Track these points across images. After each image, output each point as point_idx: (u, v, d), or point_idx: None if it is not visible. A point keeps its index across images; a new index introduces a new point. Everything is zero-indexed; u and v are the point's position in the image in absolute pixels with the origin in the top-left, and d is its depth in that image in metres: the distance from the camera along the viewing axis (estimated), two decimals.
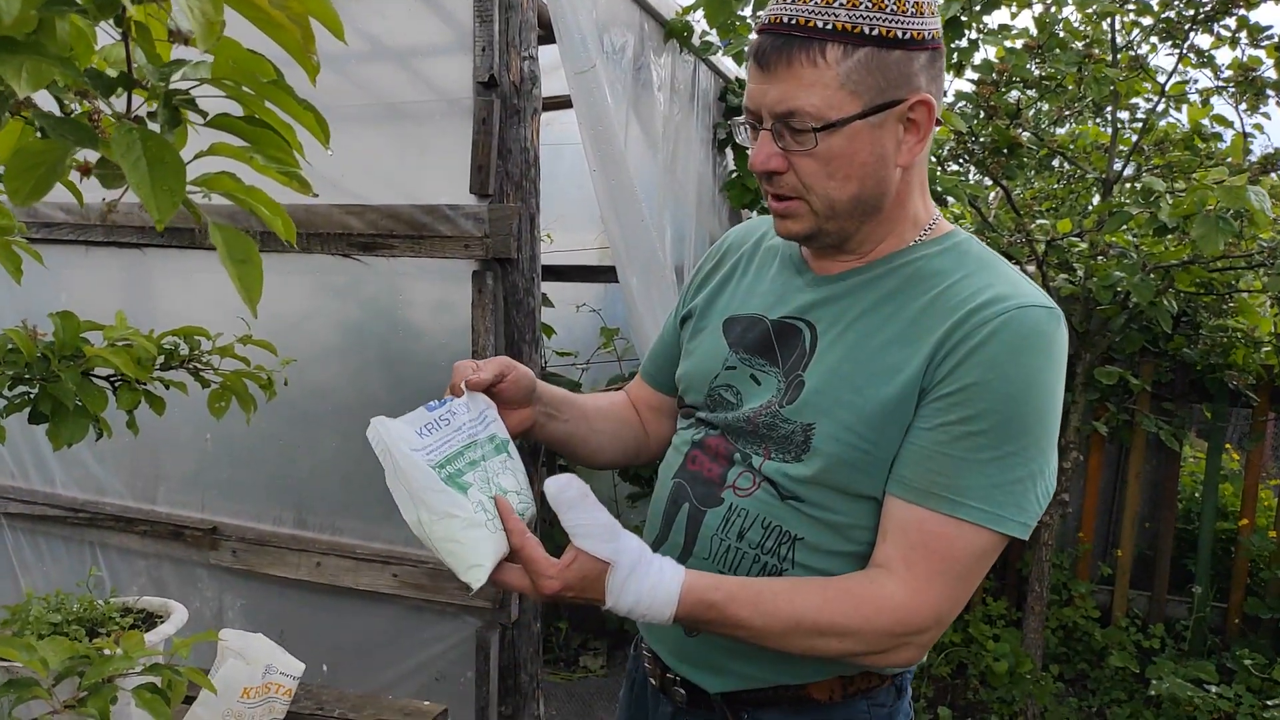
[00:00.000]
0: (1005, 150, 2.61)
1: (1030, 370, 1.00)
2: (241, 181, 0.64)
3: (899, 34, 1.00)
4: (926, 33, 1.02)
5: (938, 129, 1.19)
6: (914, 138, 1.06)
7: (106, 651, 1.09)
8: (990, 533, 1.01)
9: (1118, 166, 3.14)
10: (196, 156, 0.61)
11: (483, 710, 1.91)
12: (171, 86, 0.63)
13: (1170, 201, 2.50)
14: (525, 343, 1.87)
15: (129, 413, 1.46)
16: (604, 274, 3.72)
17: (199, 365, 1.57)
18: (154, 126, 0.62)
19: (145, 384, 1.47)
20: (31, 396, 1.34)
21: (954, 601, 1.03)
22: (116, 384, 1.45)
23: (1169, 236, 2.91)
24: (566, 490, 1.00)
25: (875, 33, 0.99)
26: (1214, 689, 3.11)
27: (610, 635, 3.79)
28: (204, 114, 0.66)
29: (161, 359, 1.52)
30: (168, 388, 1.50)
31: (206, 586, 2.21)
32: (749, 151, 1.11)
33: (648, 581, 1.01)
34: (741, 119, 1.15)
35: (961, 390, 1.00)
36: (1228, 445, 3.71)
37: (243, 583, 2.16)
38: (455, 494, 0.99)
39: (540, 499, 1.06)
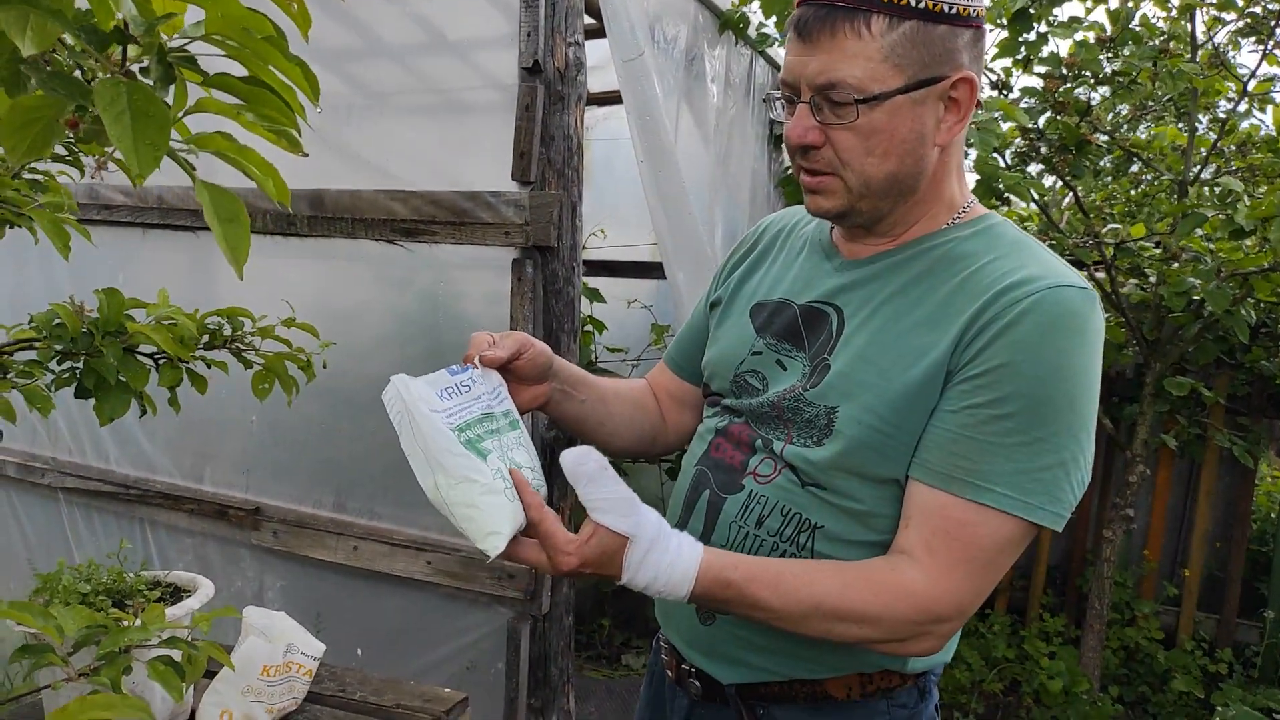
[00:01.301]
0: (1073, 148, 2.51)
1: (1062, 352, 0.96)
2: (235, 140, 0.63)
3: (945, 8, 0.98)
4: (972, 10, 1.00)
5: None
6: (954, 117, 1.03)
7: (125, 623, 1.10)
8: (1017, 521, 0.97)
9: (1195, 169, 3.00)
10: (182, 112, 0.60)
11: (512, 701, 1.89)
12: (170, 44, 0.61)
13: (1248, 204, 2.37)
14: (564, 332, 1.85)
15: (171, 390, 1.48)
16: (656, 270, 3.66)
17: (241, 346, 1.58)
18: (148, 82, 0.60)
19: (187, 362, 1.49)
20: (78, 372, 1.36)
21: (976, 591, 0.99)
22: (160, 361, 1.47)
23: (1248, 242, 2.76)
24: (584, 463, 0.97)
25: (921, 5, 0.97)
26: None
27: (652, 633, 3.75)
28: (203, 74, 0.64)
29: (205, 338, 1.55)
30: (210, 367, 1.52)
31: (249, 566, 2.24)
32: (783, 127, 1.07)
33: (666, 557, 0.98)
34: (777, 93, 1.11)
35: (989, 372, 0.97)
36: None
37: (282, 564, 2.18)
38: (475, 459, 0.96)
39: (551, 473, 1.03)
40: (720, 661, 1.15)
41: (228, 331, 1.58)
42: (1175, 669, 3.29)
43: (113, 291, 1.37)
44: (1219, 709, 2.98)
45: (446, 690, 1.40)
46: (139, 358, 1.40)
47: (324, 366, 1.69)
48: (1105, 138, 2.86)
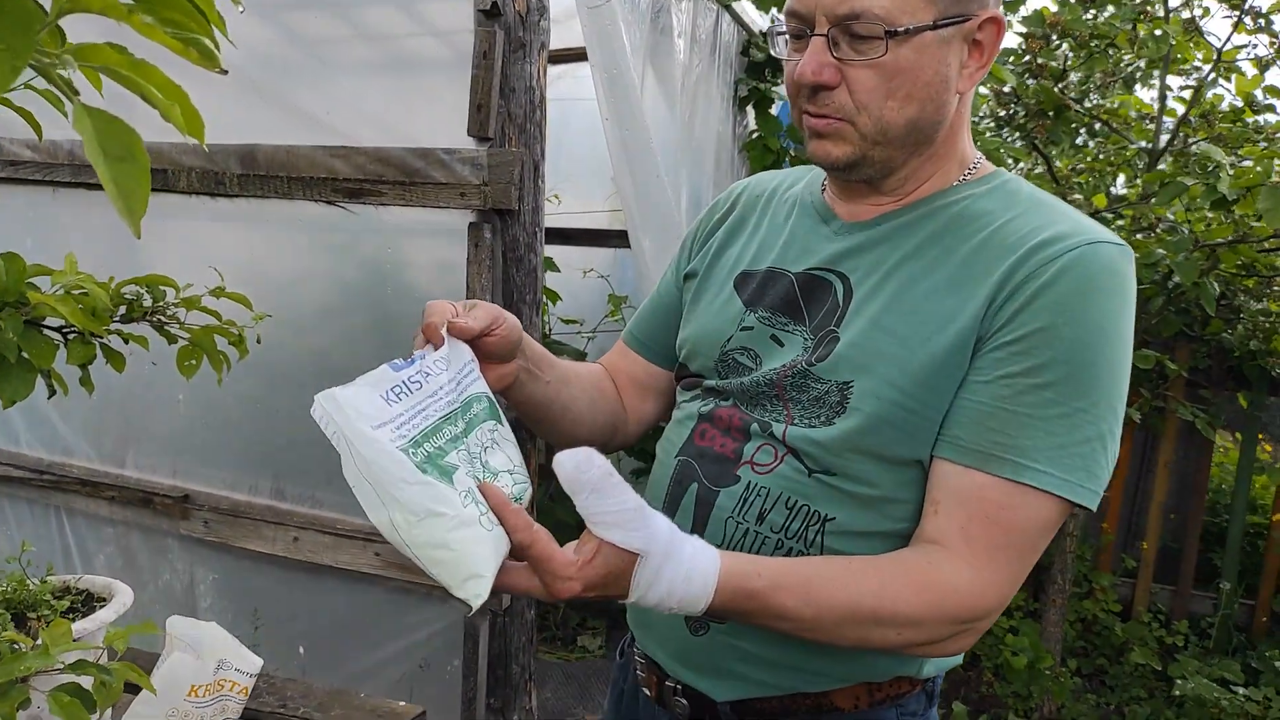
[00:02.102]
0: (1051, 113, 2.41)
1: (1103, 314, 0.90)
2: (128, 54, 0.47)
3: None
4: None
5: (982, 90, 1.05)
6: (976, 62, 0.96)
7: (21, 646, 0.93)
8: (1057, 500, 0.90)
9: (1165, 138, 2.94)
10: (55, 15, 0.44)
11: (469, 702, 1.76)
12: None
13: (1231, 172, 2.30)
14: (526, 304, 1.70)
15: (83, 368, 1.30)
16: (613, 238, 3.56)
17: (163, 318, 1.40)
18: None
19: (101, 337, 1.31)
20: None
21: (1015, 581, 0.92)
22: (69, 336, 1.29)
23: (1212, 214, 2.71)
24: (586, 470, 0.82)
25: None
26: (1241, 690, 2.96)
27: (609, 615, 3.65)
28: None
29: (122, 310, 1.37)
30: (127, 342, 1.35)
31: (177, 559, 2.05)
32: (789, 63, 0.95)
33: (680, 570, 0.85)
34: (780, 27, 0.97)
35: (1026, 337, 0.89)
36: (1260, 436, 3.54)
37: (215, 556, 2.01)
38: (438, 484, 0.79)
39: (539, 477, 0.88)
40: (713, 676, 1.03)
41: (148, 302, 1.40)
42: (1133, 641, 3.30)
43: (12, 257, 1.18)
44: (1178, 681, 2.98)
45: (402, 704, 1.26)
46: (44, 332, 1.23)
47: (258, 341, 1.52)
48: (1077, 104, 2.78)
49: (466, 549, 0.79)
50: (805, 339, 1.00)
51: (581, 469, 0.82)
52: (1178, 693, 2.95)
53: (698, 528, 1.01)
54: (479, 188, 1.63)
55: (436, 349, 0.89)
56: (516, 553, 0.85)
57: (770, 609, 0.89)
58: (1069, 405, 0.88)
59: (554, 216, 3.62)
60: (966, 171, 1.02)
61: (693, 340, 1.11)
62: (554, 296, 3.53)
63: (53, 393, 1.29)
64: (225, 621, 2.04)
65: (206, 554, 2.02)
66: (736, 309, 1.07)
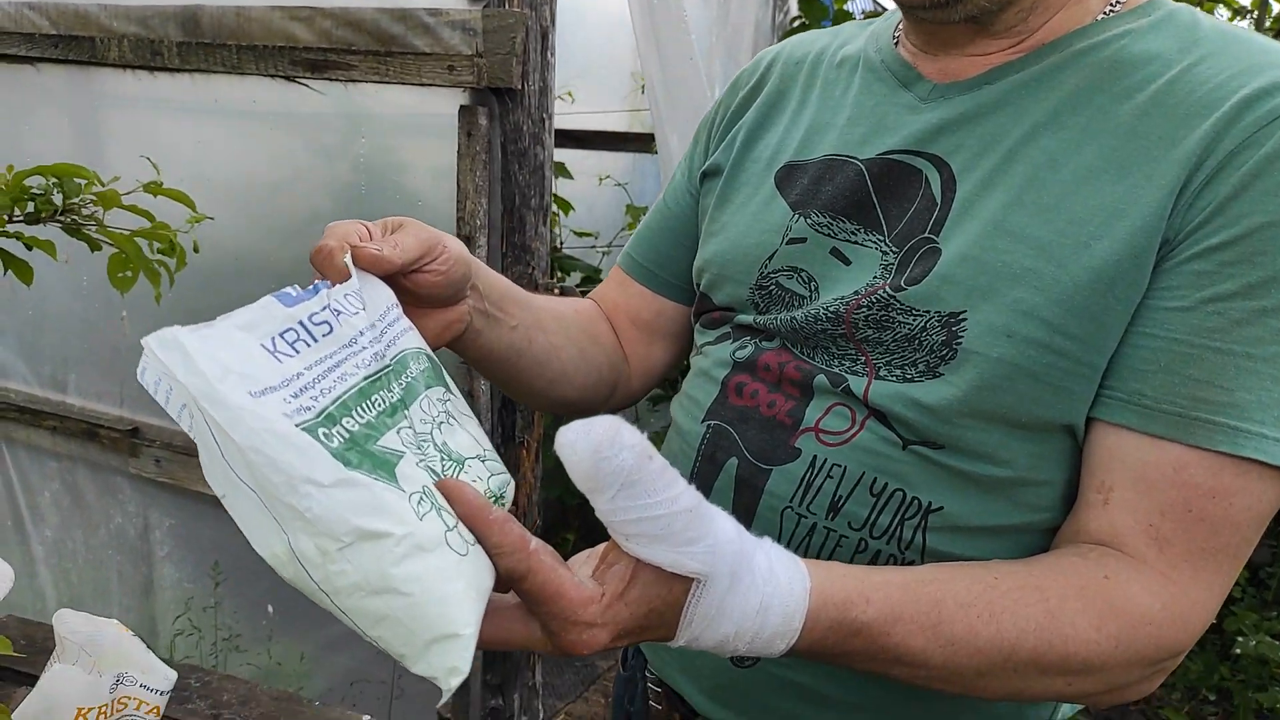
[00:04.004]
0: None
1: None
2: None
3: None
4: None
5: None
6: None
7: None
8: None
9: None
10: None
11: (463, 684, 1.50)
12: None
13: None
14: (530, 209, 1.38)
15: None
16: (633, 142, 3.21)
17: (77, 218, 1.10)
18: None
19: None
20: None
21: (1221, 597, 0.67)
22: None
23: None
24: (611, 452, 0.50)
25: None
26: None
27: None
28: None
29: (30, 207, 1.07)
30: (30, 249, 1.05)
31: (129, 500, 1.79)
32: None
33: (753, 597, 0.57)
34: None
35: (1243, 239, 0.63)
36: None
37: (170, 499, 1.74)
38: (372, 482, 0.49)
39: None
40: (756, 717, 0.78)
41: (58, 199, 1.09)
42: None
43: None
44: (1238, 640, 2.77)
45: (367, 717, 0.99)
46: None
47: (195, 250, 1.23)
48: None
49: (429, 590, 0.48)
50: (885, 253, 0.73)
51: (603, 452, 0.50)
52: (1238, 650, 2.74)
53: (740, 521, 0.73)
54: (471, 59, 1.29)
55: (341, 284, 0.58)
56: (505, 583, 0.55)
57: (884, 650, 0.62)
58: None
59: (566, 116, 3.26)
60: (1112, 1, 0.73)
61: (719, 261, 0.83)
62: (566, 206, 3.21)
63: None
64: (184, 574, 1.79)
65: (160, 496, 1.75)
66: (780, 214, 0.79)
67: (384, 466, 0.51)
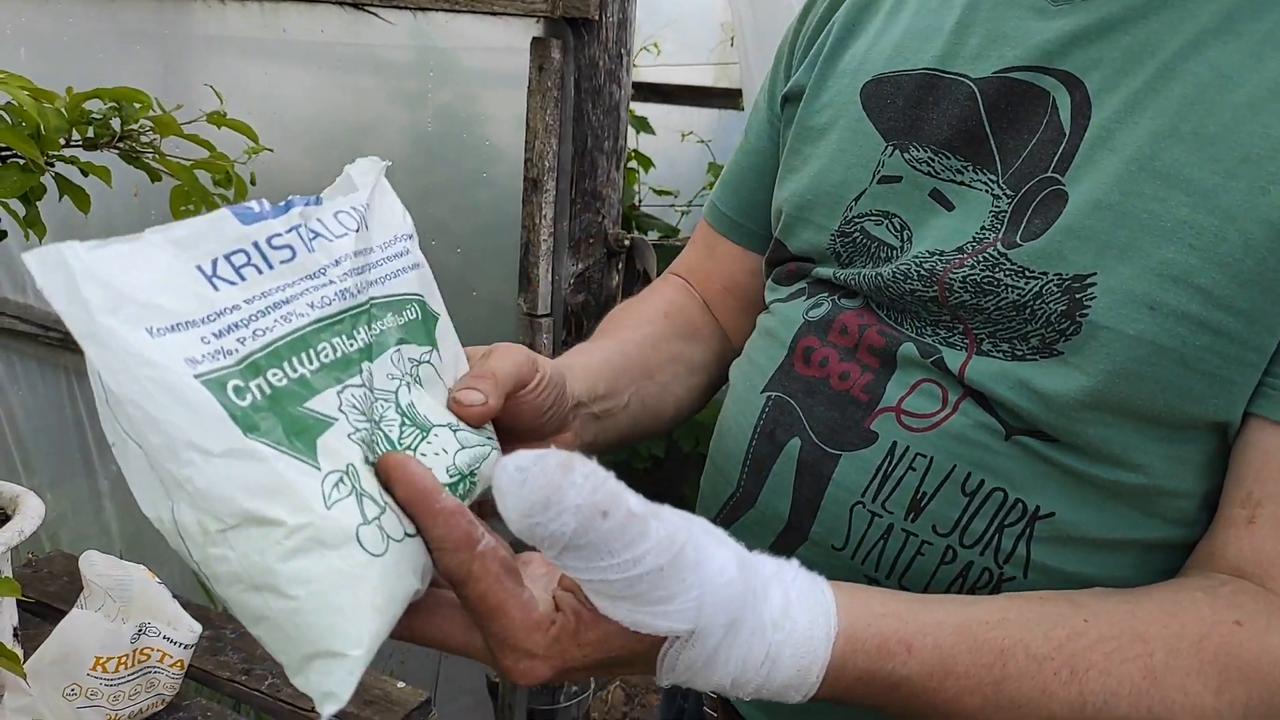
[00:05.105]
0: None
1: None
2: None
3: None
4: None
5: None
6: None
7: None
8: None
9: None
10: None
11: None
12: None
13: None
14: (604, 153, 1.29)
15: (27, 204, 0.98)
16: (719, 97, 3.09)
17: (136, 145, 1.05)
18: None
19: (53, 164, 0.98)
20: None
21: None
22: (6, 159, 0.96)
23: None
24: (548, 517, 0.40)
25: None
26: None
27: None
28: None
29: (90, 131, 1.03)
30: (86, 175, 1.01)
31: None
32: None
33: (759, 646, 0.47)
34: None
35: None
36: None
37: None
38: (274, 453, 0.40)
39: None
40: None
41: (116, 125, 1.05)
42: None
43: None
44: None
45: (401, 685, 0.93)
46: None
47: (252, 183, 1.17)
48: None
49: (318, 596, 0.40)
50: (998, 195, 0.59)
51: (536, 517, 0.40)
52: None
53: (801, 515, 0.63)
54: None
55: (334, 201, 0.48)
56: (447, 585, 0.47)
57: (930, 708, 0.50)
58: None
59: (651, 69, 3.15)
60: None
61: (796, 201, 0.70)
62: (646, 163, 3.10)
63: (1, 235, 0.99)
64: None
65: None
66: (871, 144, 0.66)
67: (302, 435, 0.42)
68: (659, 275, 0.93)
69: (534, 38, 1.24)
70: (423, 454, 0.47)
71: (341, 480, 0.42)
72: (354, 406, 0.45)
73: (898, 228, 0.64)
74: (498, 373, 0.55)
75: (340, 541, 0.41)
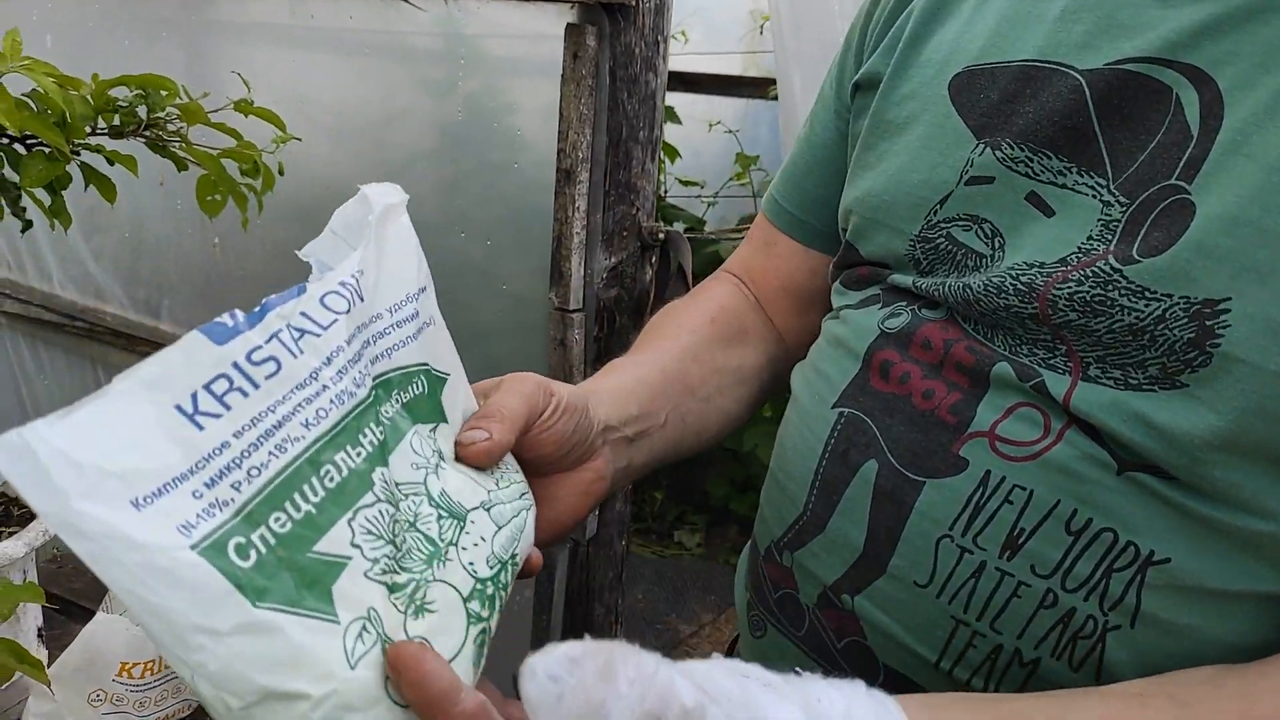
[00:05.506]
0: None
1: None
2: None
3: None
4: None
5: None
6: None
7: None
8: None
9: None
10: None
11: (540, 642, 1.42)
12: None
13: None
14: (639, 143, 1.25)
15: (53, 193, 0.96)
16: (747, 86, 3.04)
17: (162, 134, 1.02)
18: None
19: (79, 153, 0.96)
20: None
21: None
22: (31, 147, 0.94)
23: None
24: (595, 715, 0.35)
25: None
26: None
27: (711, 511, 3.33)
28: None
29: (116, 119, 1.00)
30: (112, 164, 0.98)
31: None
32: None
33: None
34: None
35: None
36: None
37: None
38: (293, 621, 0.37)
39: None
40: None
41: (142, 113, 1.02)
42: None
43: None
44: None
45: None
46: None
47: (280, 173, 1.14)
48: None
49: None
50: (1108, 204, 0.53)
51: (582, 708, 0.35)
52: None
53: (878, 546, 0.58)
54: None
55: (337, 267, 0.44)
56: None
57: None
58: None
59: (679, 58, 3.10)
60: None
61: (871, 202, 0.64)
62: (672, 153, 3.06)
63: (27, 225, 0.97)
64: None
65: None
66: (959, 141, 0.60)
67: (314, 586, 0.38)
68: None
69: (569, 24, 1.21)
70: (464, 547, 0.44)
71: (365, 629, 0.39)
72: (369, 533, 0.40)
73: (988, 234, 0.58)
74: (504, 408, 0.52)
75: (369, 703, 0.38)
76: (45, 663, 0.72)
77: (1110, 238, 0.53)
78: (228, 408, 0.38)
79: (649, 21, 1.21)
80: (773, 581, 0.67)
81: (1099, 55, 0.55)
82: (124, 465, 0.35)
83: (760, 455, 2.84)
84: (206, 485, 0.36)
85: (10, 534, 0.81)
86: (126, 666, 0.76)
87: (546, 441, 0.56)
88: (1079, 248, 0.54)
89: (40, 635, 0.83)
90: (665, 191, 3.13)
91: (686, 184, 3.21)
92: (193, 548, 0.35)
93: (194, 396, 0.37)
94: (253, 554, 0.36)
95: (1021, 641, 0.54)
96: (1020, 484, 0.54)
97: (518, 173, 1.35)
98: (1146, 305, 0.51)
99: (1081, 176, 0.55)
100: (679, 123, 3.01)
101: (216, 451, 0.37)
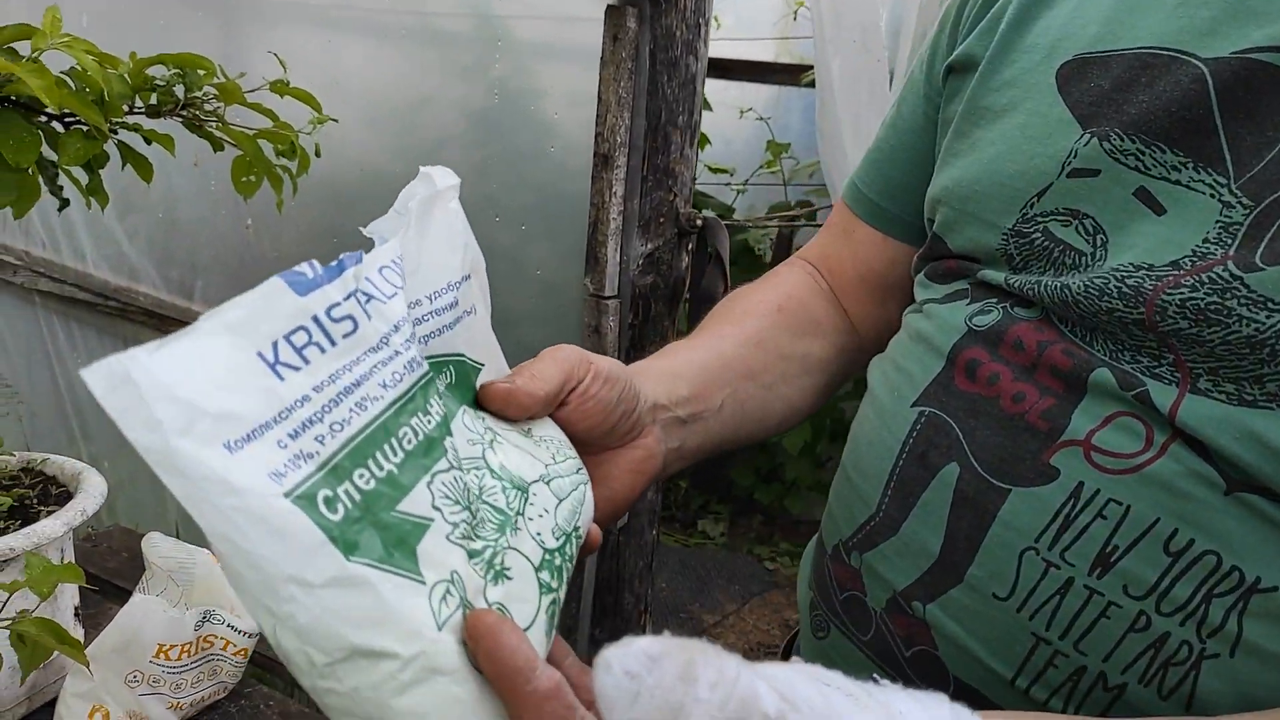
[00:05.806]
0: None
1: None
2: None
3: None
4: None
5: None
6: None
7: None
8: None
9: None
10: None
11: (569, 630, 1.42)
12: None
13: None
14: (678, 127, 1.23)
15: (91, 172, 0.95)
16: (780, 73, 2.99)
17: (200, 114, 1.01)
18: None
19: (116, 131, 0.95)
20: None
21: None
22: (69, 125, 0.93)
23: None
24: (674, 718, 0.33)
25: None
26: None
27: (736, 501, 3.31)
28: None
29: (153, 98, 1.00)
30: (149, 143, 0.98)
31: None
32: None
33: None
34: None
35: None
36: None
37: None
38: (384, 577, 0.36)
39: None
40: None
41: (180, 92, 1.01)
42: None
43: None
44: None
45: None
46: (22, 117, 0.87)
47: (317, 154, 1.13)
48: None
49: None
50: (1228, 204, 0.49)
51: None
52: None
53: (956, 553, 0.55)
54: None
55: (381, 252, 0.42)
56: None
57: None
58: None
59: (710, 43, 3.08)
60: None
61: (961, 192, 0.61)
62: (702, 139, 3.03)
63: (64, 204, 0.95)
64: None
65: None
66: (1062, 130, 0.55)
67: (401, 545, 0.37)
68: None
69: (609, 5, 1.19)
70: (530, 518, 0.44)
71: (449, 592, 0.38)
72: (446, 497, 0.40)
73: (1090, 231, 0.54)
74: (534, 367, 0.51)
75: (453, 667, 0.36)
76: (82, 642, 0.72)
77: (1230, 242, 0.48)
78: (306, 361, 0.36)
79: (690, 4, 1.19)
80: (839, 582, 0.64)
81: (1225, 43, 0.50)
82: (216, 406, 0.33)
83: (787, 445, 2.82)
84: (290, 436, 0.35)
85: (48, 513, 0.80)
86: (164, 648, 0.76)
87: (592, 411, 0.54)
88: (1193, 251, 0.50)
89: (77, 614, 0.83)
90: (695, 178, 3.11)
91: (716, 171, 3.18)
92: (285, 495, 0.34)
93: (274, 345, 0.36)
94: (340, 508, 0.35)
95: (1107, 665, 0.51)
96: (1116, 498, 0.50)
97: (551, 158, 1.33)
98: (1269, 317, 0.47)
99: (1198, 173, 0.50)
100: (710, 109, 2.97)
101: (299, 403, 0.36)
